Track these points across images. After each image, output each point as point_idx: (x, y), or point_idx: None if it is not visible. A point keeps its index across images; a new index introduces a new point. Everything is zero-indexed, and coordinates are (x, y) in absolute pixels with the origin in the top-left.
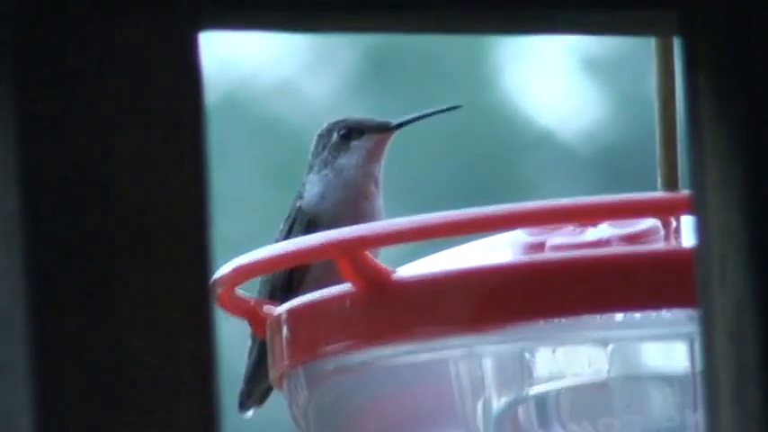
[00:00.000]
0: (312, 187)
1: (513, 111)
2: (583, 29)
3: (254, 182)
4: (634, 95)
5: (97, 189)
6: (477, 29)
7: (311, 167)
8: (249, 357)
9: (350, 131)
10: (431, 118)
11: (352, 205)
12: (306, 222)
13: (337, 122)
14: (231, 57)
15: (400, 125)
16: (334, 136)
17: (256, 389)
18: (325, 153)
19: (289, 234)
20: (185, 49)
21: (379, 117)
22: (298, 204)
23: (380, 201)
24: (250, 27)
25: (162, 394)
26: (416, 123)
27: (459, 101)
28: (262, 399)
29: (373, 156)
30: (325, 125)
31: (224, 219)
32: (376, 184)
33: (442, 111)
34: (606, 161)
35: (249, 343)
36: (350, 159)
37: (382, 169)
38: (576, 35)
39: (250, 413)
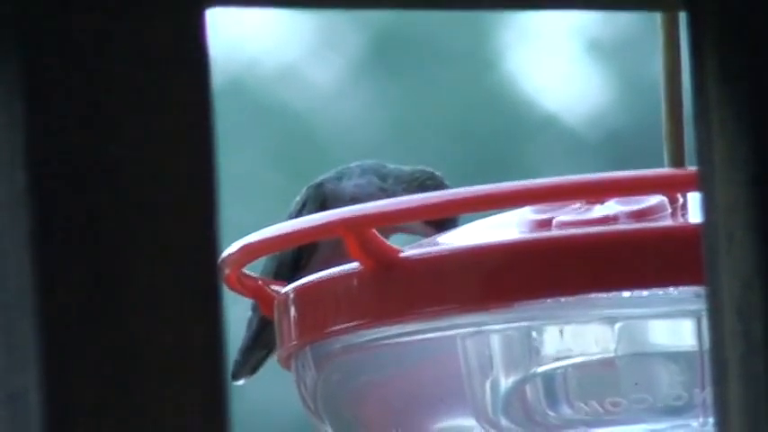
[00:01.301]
0: (357, 179)
1: (517, 94)
2: (588, 4)
3: (258, 166)
4: (640, 79)
5: (104, 169)
6: (481, 5)
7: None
8: (248, 328)
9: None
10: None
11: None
12: (320, 202)
13: (426, 180)
14: (235, 41)
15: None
16: (414, 184)
17: (251, 359)
18: (390, 183)
19: (299, 214)
20: (191, 26)
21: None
22: (320, 182)
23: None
24: (256, 3)
25: (171, 375)
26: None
27: (464, 84)
28: (254, 368)
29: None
30: (418, 174)
31: (229, 203)
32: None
33: None
34: (611, 145)
35: (250, 313)
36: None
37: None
38: (581, 11)
39: (241, 382)
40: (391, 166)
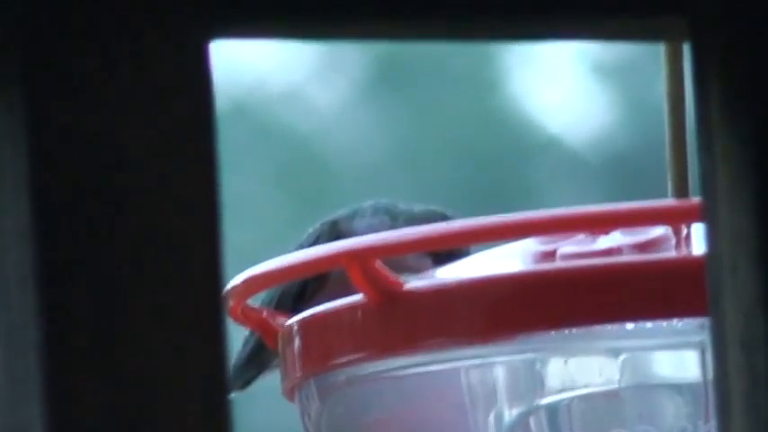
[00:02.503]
0: (370, 219)
1: (520, 116)
2: (592, 35)
3: (262, 188)
4: (643, 101)
5: (108, 198)
6: (486, 36)
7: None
8: (244, 346)
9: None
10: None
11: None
12: (333, 240)
13: (436, 220)
14: (239, 64)
15: None
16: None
17: (243, 376)
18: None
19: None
20: (196, 58)
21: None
22: (334, 219)
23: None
24: (261, 35)
25: (175, 405)
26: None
27: (467, 106)
28: (245, 385)
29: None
30: (429, 215)
31: (232, 226)
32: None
33: None
34: (615, 168)
35: (246, 333)
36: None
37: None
38: (585, 41)
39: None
40: (403, 206)
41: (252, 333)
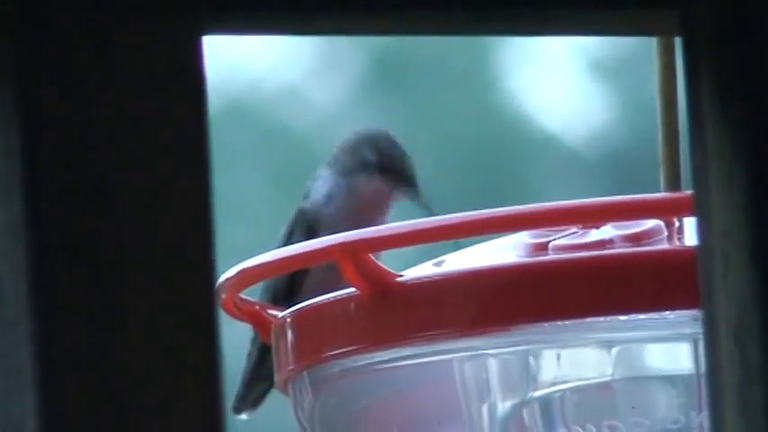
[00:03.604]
0: (323, 184)
1: (517, 113)
2: (584, 28)
3: (259, 188)
4: (640, 99)
5: (100, 194)
6: (480, 29)
7: (330, 164)
8: (248, 360)
9: (386, 165)
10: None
11: (357, 214)
12: (306, 227)
13: (381, 144)
14: (236, 63)
15: (422, 206)
16: (369, 156)
17: (253, 392)
18: (351, 162)
19: (288, 240)
20: (188, 53)
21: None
22: (301, 206)
23: (386, 219)
24: (253, 30)
25: (167, 399)
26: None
27: (464, 103)
28: (256, 402)
29: (385, 201)
30: (369, 133)
31: (229, 225)
32: (386, 210)
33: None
34: (611, 164)
35: (249, 347)
36: (369, 184)
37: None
38: (577, 35)
39: (244, 416)
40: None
41: (253, 346)
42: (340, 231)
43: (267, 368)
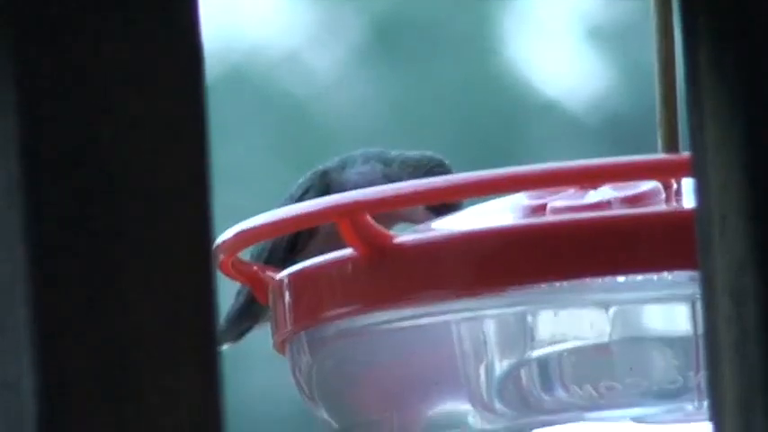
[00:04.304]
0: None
1: (518, 79)
2: None
3: (260, 154)
4: (640, 64)
5: (97, 158)
6: None
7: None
8: (236, 298)
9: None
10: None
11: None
12: (324, 189)
13: (434, 166)
14: (235, 29)
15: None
16: (421, 171)
17: (236, 328)
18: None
19: (300, 199)
20: (184, 12)
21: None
22: (325, 168)
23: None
24: None
25: (164, 362)
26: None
27: (465, 69)
28: (238, 336)
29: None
30: (425, 161)
31: (230, 191)
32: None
33: None
34: (612, 130)
35: (239, 286)
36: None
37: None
38: None
39: (225, 347)
40: (395, 152)
41: (244, 285)
42: None
43: (255, 308)
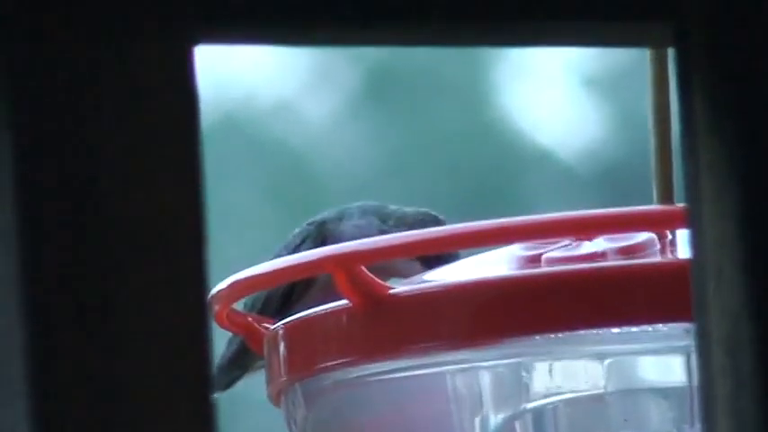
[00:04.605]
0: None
1: (512, 129)
2: (578, 40)
3: (253, 202)
4: (635, 114)
5: (93, 203)
6: (473, 41)
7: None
8: (228, 346)
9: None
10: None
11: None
12: (321, 240)
13: (429, 222)
14: (229, 77)
15: None
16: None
17: (227, 377)
18: (392, 223)
19: (296, 249)
20: (180, 62)
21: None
22: (323, 218)
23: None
24: (245, 40)
25: (159, 408)
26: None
27: (459, 118)
28: (227, 386)
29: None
30: (421, 216)
31: (222, 238)
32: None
33: None
34: (606, 181)
35: (231, 334)
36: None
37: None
38: (570, 47)
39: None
40: (393, 207)
41: (236, 334)
42: None
43: (245, 358)
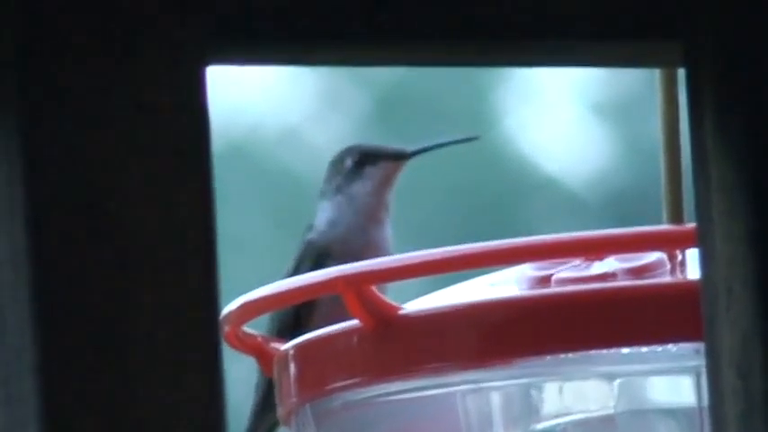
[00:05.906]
0: (323, 213)
1: (517, 155)
2: (589, 60)
3: (261, 230)
4: (642, 141)
5: (103, 226)
6: (480, 61)
7: (323, 194)
8: (256, 392)
9: (364, 158)
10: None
11: (362, 231)
12: (315, 256)
13: (351, 148)
14: (236, 105)
15: (416, 153)
16: (348, 162)
17: (263, 423)
18: (339, 179)
19: (296, 271)
20: (191, 83)
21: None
22: (307, 238)
23: (389, 228)
24: (256, 61)
25: (173, 423)
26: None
27: (464, 145)
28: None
29: (386, 183)
30: (339, 151)
31: (230, 266)
32: (386, 210)
33: (459, 141)
34: (613, 207)
35: (256, 378)
36: (363, 186)
37: (392, 196)
38: (579, 66)
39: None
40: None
41: (261, 375)
42: (354, 245)
43: (274, 399)
